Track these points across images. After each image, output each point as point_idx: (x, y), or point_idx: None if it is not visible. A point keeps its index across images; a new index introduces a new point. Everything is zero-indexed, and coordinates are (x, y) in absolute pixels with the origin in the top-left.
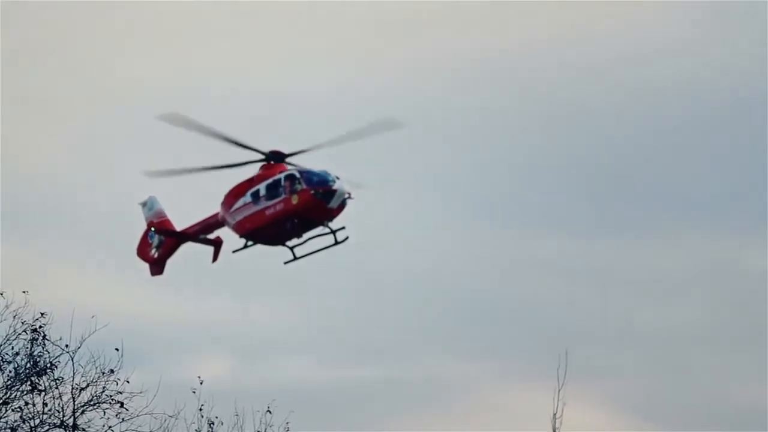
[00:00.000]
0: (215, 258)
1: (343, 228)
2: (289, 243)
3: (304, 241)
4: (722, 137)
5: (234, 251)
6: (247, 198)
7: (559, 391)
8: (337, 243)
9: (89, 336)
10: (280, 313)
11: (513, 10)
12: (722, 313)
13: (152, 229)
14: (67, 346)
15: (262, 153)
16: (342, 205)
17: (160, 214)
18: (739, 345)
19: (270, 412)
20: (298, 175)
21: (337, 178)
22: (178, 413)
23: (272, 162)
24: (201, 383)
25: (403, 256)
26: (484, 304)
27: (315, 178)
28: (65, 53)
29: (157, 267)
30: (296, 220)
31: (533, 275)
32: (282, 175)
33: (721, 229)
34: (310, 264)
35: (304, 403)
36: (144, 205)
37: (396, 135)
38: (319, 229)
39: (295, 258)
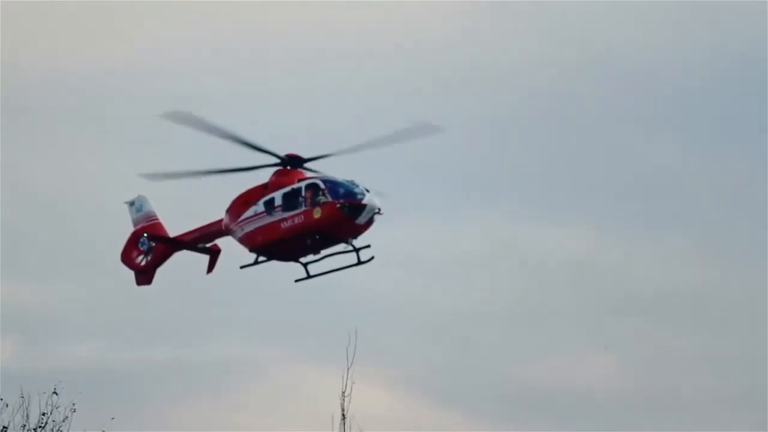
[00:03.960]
0: (211, 268)
1: (368, 246)
2: (303, 259)
3: (321, 258)
4: (510, 119)
5: (242, 267)
6: (260, 207)
7: (348, 369)
8: (360, 263)
9: None
10: (69, 295)
11: None
12: (507, 293)
13: (145, 234)
14: None
15: (278, 156)
16: (370, 221)
17: (150, 217)
18: (523, 325)
19: (56, 394)
20: (321, 185)
21: (367, 190)
22: None
23: (288, 167)
24: None
25: None
26: (273, 284)
27: (341, 190)
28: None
29: (144, 276)
30: (317, 236)
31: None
32: (303, 184)
33: (507, 211)
34: (99, 246)
35: (92, 384)
36: (131, 204)
37: None
38: (341, 246)
39: (309, 276)
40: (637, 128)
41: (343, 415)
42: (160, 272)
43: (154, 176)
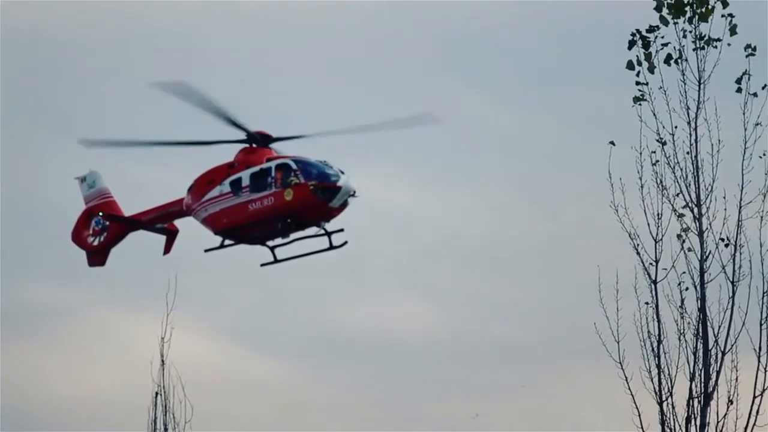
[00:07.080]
0: (168, 249)
1: (341, 230)
2: (271, 243)
3: (290, 242)
4: (322, 71)
5: (206, 250)
6: (225, 187)
7: (167, 315)
8: (332, 247)
9: None
10: None
11: None
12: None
13: (101, 213)
14: None
15: (247, 132)
16: (344, 205)
17: (104, 194)
18: (339, 272)
19: None
20: (293, 166)
21: (342, 171)
22: None
23: (254, 145)
24: None
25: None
26: None
27: (314, 171)
28: None
29: (97, 257)
30: (288, 219)
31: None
32: (273, 164)
33: (324, 158)
34: None
35: None
36: (83, 180)
37: None
38: (312, 229)
39: (276, 261)
40: (454, 78)
41: (162, 360)
42: None
43: (92, 143)
